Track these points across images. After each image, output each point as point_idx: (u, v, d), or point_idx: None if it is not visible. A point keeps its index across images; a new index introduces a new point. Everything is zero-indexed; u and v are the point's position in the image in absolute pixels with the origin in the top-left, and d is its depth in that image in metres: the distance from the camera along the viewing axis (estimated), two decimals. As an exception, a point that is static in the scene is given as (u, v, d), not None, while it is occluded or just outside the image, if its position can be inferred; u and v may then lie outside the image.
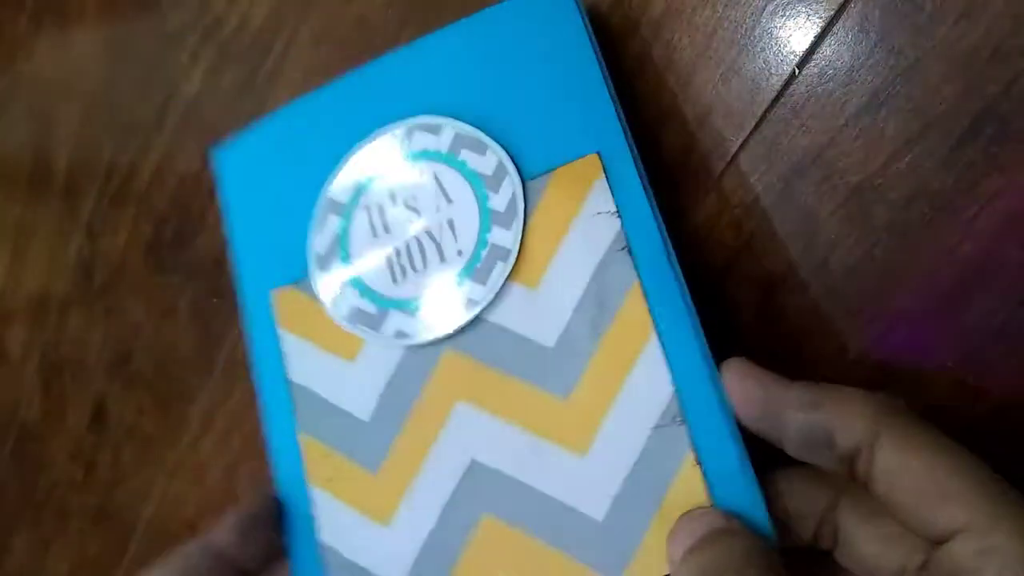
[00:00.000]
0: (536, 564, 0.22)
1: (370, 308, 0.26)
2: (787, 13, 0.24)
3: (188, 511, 0.50)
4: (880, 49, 0.22)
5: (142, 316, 0.52)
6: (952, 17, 0.21)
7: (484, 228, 0.25)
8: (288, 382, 0.27)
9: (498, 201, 0.25)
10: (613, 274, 0.23)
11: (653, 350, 0.22)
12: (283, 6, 0.40)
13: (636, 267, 0.23)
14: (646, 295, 0.22)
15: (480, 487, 0.23)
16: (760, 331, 0.25)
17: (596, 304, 0.23)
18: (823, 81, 0.23)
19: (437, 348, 0.25)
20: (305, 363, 0.26)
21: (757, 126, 0.24)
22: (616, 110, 0.24)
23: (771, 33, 0.24)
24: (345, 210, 0.27)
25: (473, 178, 0.25)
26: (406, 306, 0.25)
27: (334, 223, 0.27)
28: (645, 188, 0.23)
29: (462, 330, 0.24)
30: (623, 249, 0.23)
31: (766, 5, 0.24)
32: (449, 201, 0.25)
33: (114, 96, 0.53)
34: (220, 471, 0.47)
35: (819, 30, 0.23)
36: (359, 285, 0.26)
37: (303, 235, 0.28)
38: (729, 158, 0.25)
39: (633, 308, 0.22)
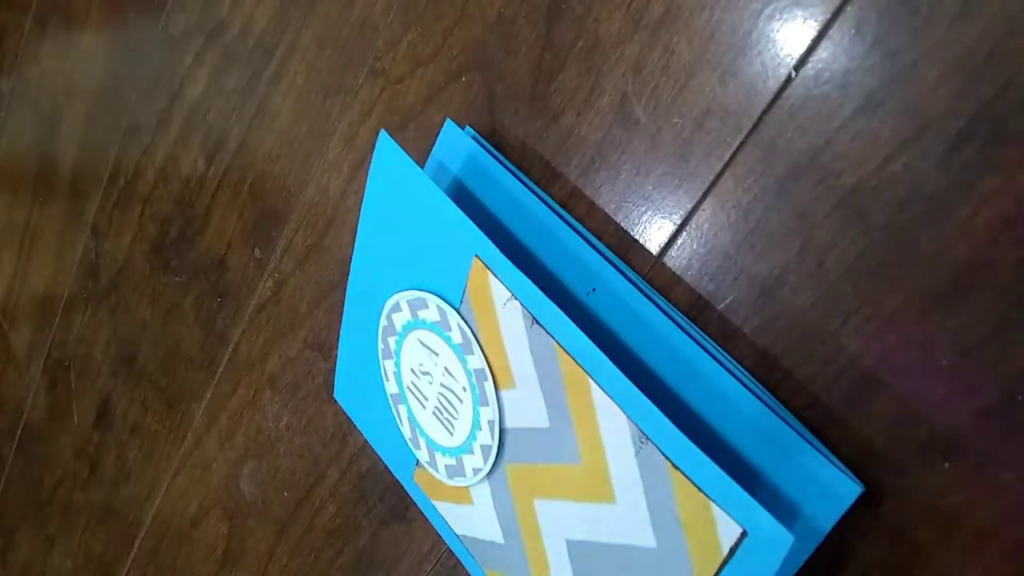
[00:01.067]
0: None
1: (452, 462, 0.31)
2: (784, 16, 0.24)
3: (192, 508, 0.50)
4: (876, 52, 0.22)
5: (147, 315, 0.53)
6: (947, 20, 0.21)
7: (463, 361, 0.29)
8: (458, 536, 0.32)
9: (455, 335, 0.29)
10: (539, 347, 0.26)
11: (598, 394, 0.24)
12: (286, 9, 0.40)
13: (550, 334, 0.25)
14: (568, 352, 0.25)
15: (585, 560, 0.27)
16: (758, 331, 0.25)
17: (547, 378, 0.26)
18: (819, 84, 0.23)
19: (500, 467, 0.29)
20: (458, 518, 0.32)
21: (754, 128, 0.25)
22: (467, 221, 0.27)
23: (768, 36, 0.24)
24: (402, 398, 0.33)
25: (433, 327, 0.30)
26: (467, 448, 0.30)
27: (404, 412, 0.33)
28: (517, 264, 0.26)
29: (501, 445, 0.28)
30: (533, 324, 0.26)
31: (763, 9, 0.24)
32: (436, 354, 0.30)
33: (119, 98, 0.54)
34: (224, 469, 0.47)
35: (815, 33, 0.23)
36: (440, 449, 0.31)
37: (397, 429, 0.34)
38: (727, 160, 0.25)
39: (567, 368, 0.25)
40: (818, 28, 0.23)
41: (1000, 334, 0.21)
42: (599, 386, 0.24)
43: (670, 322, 0.26)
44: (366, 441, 0.38)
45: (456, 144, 0.31)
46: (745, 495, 0.21)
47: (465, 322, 0.28)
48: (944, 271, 0.22)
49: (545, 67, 0.30)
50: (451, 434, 0.30)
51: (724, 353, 0.25)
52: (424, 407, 0.31)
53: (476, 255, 0.27)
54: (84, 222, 0.58)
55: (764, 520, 0.21)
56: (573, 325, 0.24)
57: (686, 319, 0.26)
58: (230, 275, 0.46)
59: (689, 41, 0.26)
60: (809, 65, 0.24)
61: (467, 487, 0.31)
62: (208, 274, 0.47)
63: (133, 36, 0.52)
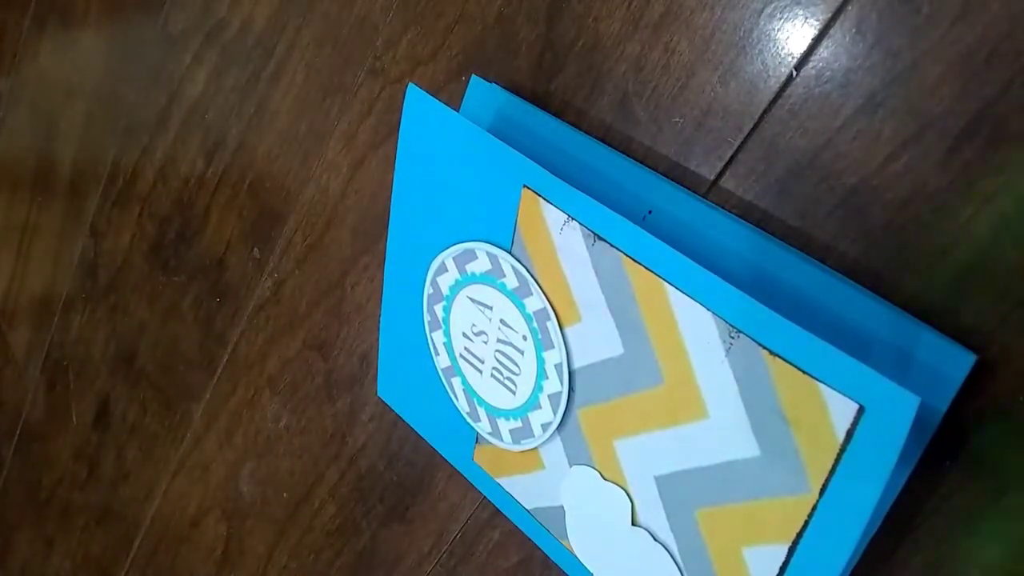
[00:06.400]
0: (759, 519, 0.23)
1: (517, 424, 0.29)
2: (785, 16, 0.24)
3: (191, 509, 0.50)
4: (877, 51, 0.22)
5: (145, 315, 0.53)
6: (949, 19, 0.21)
7: (520, 306, 0.27)
8: (528, 511, 0.31)
9: (510, 280, 0.27)
10: (605, 265, 0.24)
11: (676, 297, 0.23)
12: (285, 8, 0.40)
13: (615, 246, 0.24)
14: (638, 260, 0.23)
15: (677, 492, 0.25)
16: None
17: (617, 297, 0.24)
18: (820, 83, 0.23)
19: (571, 415, 0.27)
20: (527, 490, 0.30)
21: (755, 127, 0.25)
22: (512, 151, 0.26)
23: (769, 35, 0.24)
24: (456, 369, 0.31)
25: (484, 278, 0.28)
26: (532, 403, 0.28)
27: (458, 384, 0.31)
28: (574, 182, 0.25)
29: (571, 390, 0.27)
30: (596, 241, 0.24)
31: (764, 8, 0.24)
32: (489, 308, 0.28)
33: (118, 98, 0.53)
34: (223, 469, 0.47)
35: (816, 32, 0.23)
36: (502, 413, 0.30)
37: (452, 407, 0.32)
38: (728, 159, 0.25)
39: (638, 279, 0.24)
40: (819, 27, 0.23)
41: (1001, 335, 0.21)
42: (677, 288, 0.22)
43: (739, 228, 0.24)
44: (366, 442, 0.38)
45: (486, 97, 0.30)
46: (857, 363, 0.19)
47: (519, 262, 0.27)
48: (944, 271, 0.22)
49: (545, 66, 0.30)
50: (513, 393, 0.29)
51: (797, 251, 0.24)
52: (480, 372, 0.30)
53: (525, 185, 0.26)
54: (83, 222, 0.58)
55: (882, 386, 0.18)
56: (639, 229, 0.23)
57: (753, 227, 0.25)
58: (229, 275, 0.46)
59: (690, 40, 0.26)
60: (810, 64, 0.24)
61: (536, 448, 0.29)
62: (207, 274, 0.47)
63: (132, 35, 0.52)
